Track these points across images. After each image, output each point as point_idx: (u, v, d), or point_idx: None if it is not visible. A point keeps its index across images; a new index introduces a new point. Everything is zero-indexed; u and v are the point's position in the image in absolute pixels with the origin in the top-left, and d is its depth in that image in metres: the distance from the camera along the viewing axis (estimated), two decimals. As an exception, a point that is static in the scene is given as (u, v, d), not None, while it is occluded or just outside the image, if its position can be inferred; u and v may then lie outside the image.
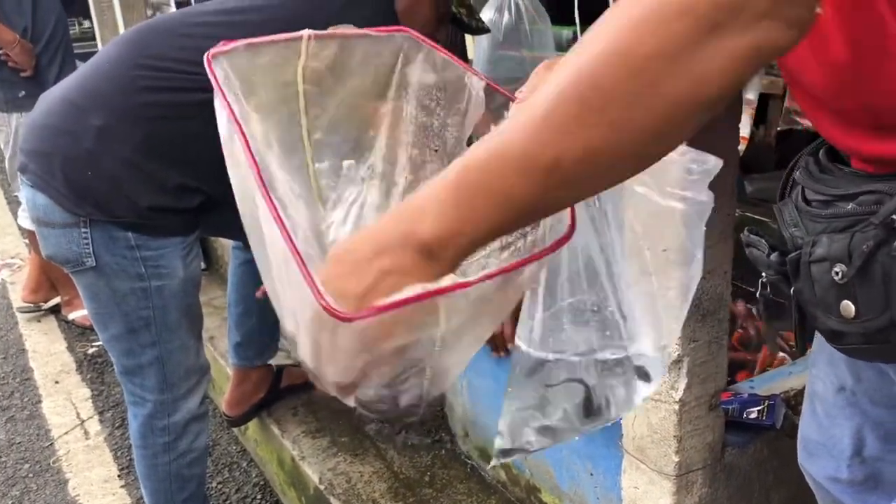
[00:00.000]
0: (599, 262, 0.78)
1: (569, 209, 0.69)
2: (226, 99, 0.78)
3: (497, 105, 2.69)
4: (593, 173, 0.57)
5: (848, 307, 0.77)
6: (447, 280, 0.59)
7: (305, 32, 0.89)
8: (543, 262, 0.66)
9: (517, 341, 0.80)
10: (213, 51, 0.84)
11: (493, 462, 0.83)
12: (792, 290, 0.85)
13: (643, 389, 0.80)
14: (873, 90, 0.76)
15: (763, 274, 0.90)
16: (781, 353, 1.89)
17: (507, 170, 0.56)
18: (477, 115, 0.83)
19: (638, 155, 0.57)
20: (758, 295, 0.96)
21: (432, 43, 0.87)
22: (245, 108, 0.85)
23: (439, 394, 0.67)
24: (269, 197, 0.66)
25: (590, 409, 0.80)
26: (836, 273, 0.77)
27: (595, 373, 0.79)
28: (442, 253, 0.58)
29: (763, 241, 0.89)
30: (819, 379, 1.07)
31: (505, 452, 0.81)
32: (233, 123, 0.75)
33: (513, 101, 0.76)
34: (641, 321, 0.78)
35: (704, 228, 0.77)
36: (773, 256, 0.87)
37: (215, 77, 0.81)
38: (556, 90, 0.55)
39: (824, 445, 1.07)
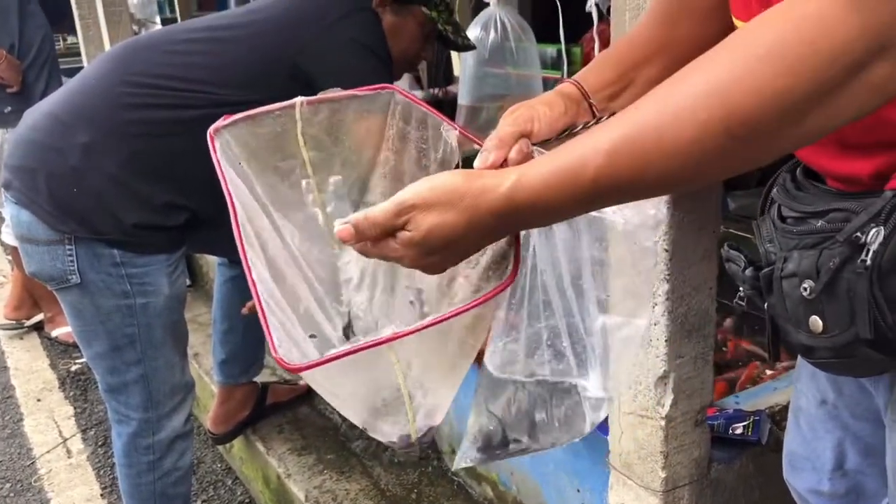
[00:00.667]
0: (555, 293, 0.80)
1: (514, 253, 0.77)
2: (221, 169, 0.88)
3: (481, 123, 2.69)
4: (708, 179, 0.69)
5: (816, 322, 0.79)
6: (387, 331, 0.68)
7: (298, 100, 0.95)
8: (492, 302, 0.74)
9: (484, 359, 0.83)
10: (214, 126, 0.92)
11: (456, 464, 0.86)
12: (765, 305, 0.86)
13: (591, 420, 0.83)
14: None
15: (740, 288, 0.92)
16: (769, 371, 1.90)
17: (631, 182, 0.65)
18: (452, 164, 0.90)
19: (754, 165, 0.64)
20: (734, 303, 0.97)
21: (412, 96, 0.95)
22: (248, 174, 0.93)
23: (429, 428, 0.72)
24: (246, 259, 0.78)
25: (536, 430, 0.84)
26: (805, 289, 0.78)
27: (546, 397, 0.82)
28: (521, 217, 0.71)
29: (741, 256, 0.90)
30: (802, 393, 1.08)
31: (468, 456, 0.86)
32: (225, 191, 0.85)
33: (480, 146, 0.81)
34: (592, 358, 0.80)
35: (657, 267, 0.79)
36: (749, 271, 0.89)
37: (214, 150, 0.90)
38: (701, 120, 0.60)
39: (808, 459, 1.08)
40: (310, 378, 0.73)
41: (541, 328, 0.80)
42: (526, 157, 0.79)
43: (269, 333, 0.70)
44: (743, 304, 0.90)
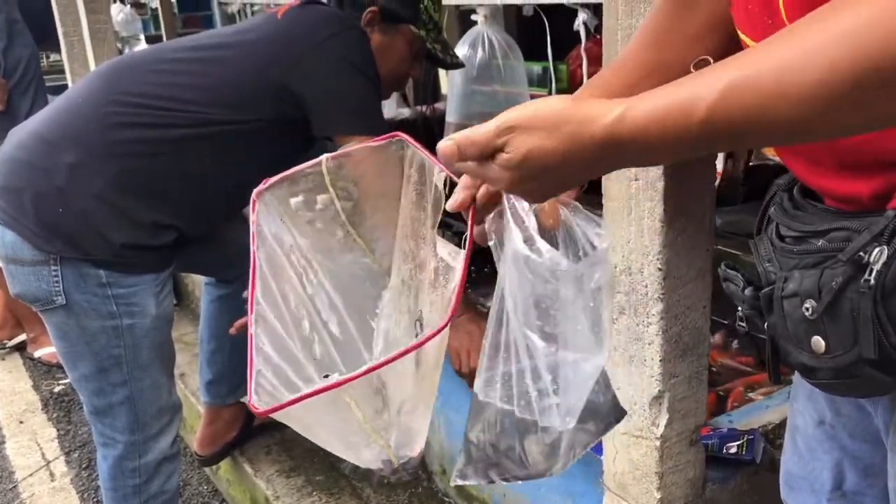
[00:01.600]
0: (517, 331, 0.80)
1: (455, 297, 0.81)
2: (253, 227, 0.97)
3: (470, 113, 2.69)
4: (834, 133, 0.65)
5: (818, 342, 0.78)
6: (334, 377, 0.76)
7: (323, 157, 1.02)
8: (437, 341, 0.78)
9: (475, 384, 0.84)
10: (257, 190, 1.00)
11: (453, 481, 0.86)
12: (766, 325, 0.86)
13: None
14: None
15: (739, 308, 0.91)
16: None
17: (751, 128, 0.61)
18: (440, 208, 0.94)
19: (878, 125, 0.61)
20: (735, 325, 0.97)
21: (414, 142, 0.98)
22: (290, 227, 1.02)
23: (410, 457, 0.76)
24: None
25: (520, 459, 0.83)
26: (807, 309, 0.78)
27: (521, 429, 0.82)
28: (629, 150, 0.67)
29: (739, 275, 0.90)
30: (799, 413, 1.07)
31: (463, 474, 0.85)
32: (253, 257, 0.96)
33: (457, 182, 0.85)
34: (556, 394, 0.80)
35: (605, 308, 0.78)
36: (748, 291, 0.88)
37: (254, 211, 0.99)
38: (829, 61, 0.56)
39: (805, 479, 1.08)
40: (284, 419, 0.77)
41: (510, 364, 0.80)
42: (492, 197, 0.80)
43: (250, 381, 0.80)
44: (743, 325, 0.90)
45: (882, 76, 0.55)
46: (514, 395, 0.80)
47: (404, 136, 1.00)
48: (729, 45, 0.87)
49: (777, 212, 0.88)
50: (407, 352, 0.76)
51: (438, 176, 0.91)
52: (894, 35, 0.54)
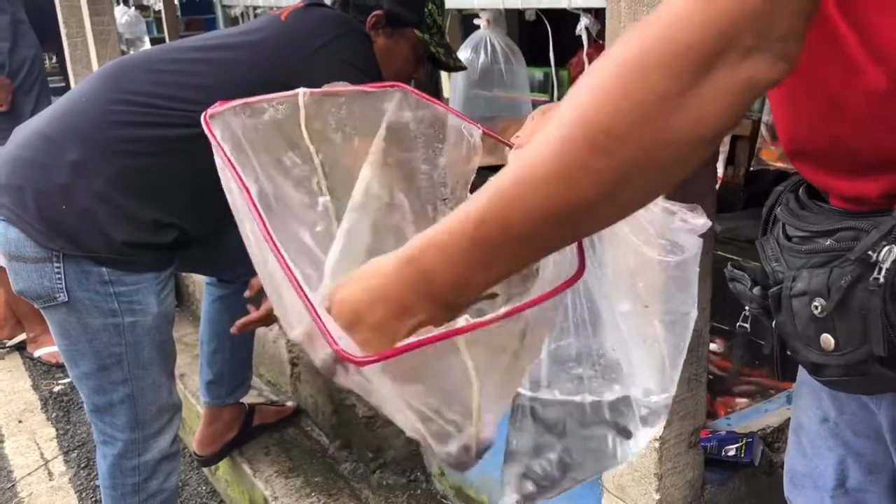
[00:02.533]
0: (584, 307, 0.80)
1: (577, 248, 0.72)
2: (223, 150, 0.83)
3: (471, 117, 2.71)
4: (604, 214, 0.60)
5: (828, 340, 0.79)
6: (462, 321, 0.63)
7: (300, 91, 0.93)
8: (556, 300, 0.68)
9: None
10: (209, 111, 0.88)
11: None
12: (773, 324, 0.86)
13: (633, 442, 0.81)
14: (841, 134, 0.79)
15: (745, 308, 0.92)
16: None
17: (518, 221, 0.59)
18: (474, 160, 0.90)
19: (647, 192, 0.60)
20: (737, 326, 0.97)
21: (427, 96, 0.94)
22: (253, 162, 0.90)
23: (488, 441, 0.69)
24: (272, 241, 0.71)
25: (566, 464, 0.82)
26: (816, 307, 0.78)
27: (576, 426, 0.81)
28: (461, 300, 0.64)
29: (746, 275, 0.90)
30: (803, 411, 1.08)
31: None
32: (230, 171, 0.80)
33: (510, 147, 0.79)
34: (635, 366, 0.79)
35: (696, 287, 0.79)
36: (756, 290, 0.89)
37: (212, 132, 0.86)
38: (561, 136, 0.57)
39: (809, 476, 1.08)
40: (370, 372, 0.64)
41: (578, 346, 0.79)
42: None
43: (325, 329, 0.63)
44: (747, 326, 0.90)
45: (611, 135, 0.55)
46: (582, 378, 0.80)
47: (408, 87, 0.95)
48: None
49: (784, 212, 0.89)
50: (543, 298, 0.66)
51: (472, 130, 0.89)
52: (611, 92, 0.55)
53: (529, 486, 0.81)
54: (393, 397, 0.66)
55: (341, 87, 0.95)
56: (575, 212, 0.58)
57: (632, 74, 0.55)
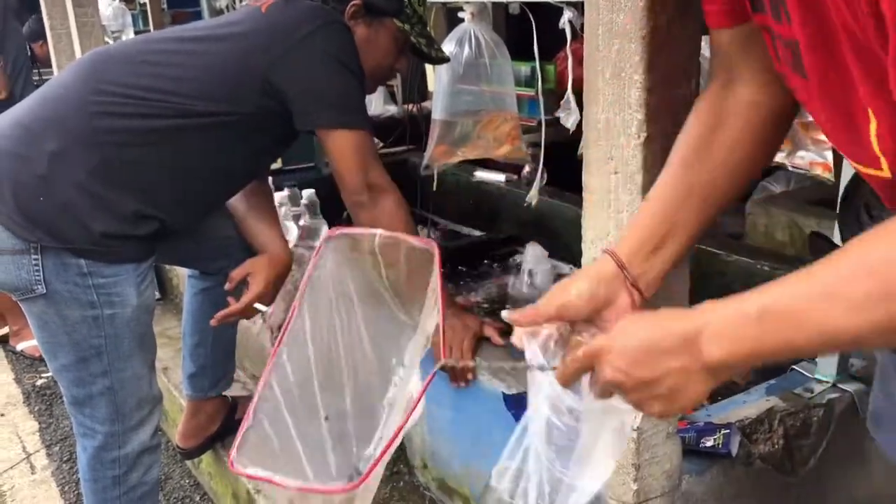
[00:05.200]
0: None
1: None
2: (314, 263, 1.15)
3: (455, 138, 2.70)
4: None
5: None
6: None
7: (378, 231, 1.19)
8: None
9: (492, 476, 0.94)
10: (326, 235, 1.19)
11: None
12: None
13: None
14: None
15: None
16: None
17: (805, 336, 0.71)
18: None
19: None
20: None
21: (439, 266, 1.14)
22: (347, 278, 1.22)
23: None
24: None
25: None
26: None
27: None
28: (723, 373, 0.79)
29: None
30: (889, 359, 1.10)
31: None
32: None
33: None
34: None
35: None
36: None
37: (317, 251, 1.15)
38: (863, 302, 0.66)
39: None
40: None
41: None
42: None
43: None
44: None
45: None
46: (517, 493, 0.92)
47: (436, 251, 1.13)
48: (757, 154, 0.97)
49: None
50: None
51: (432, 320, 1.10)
52: None
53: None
54: None
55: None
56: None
57: None
